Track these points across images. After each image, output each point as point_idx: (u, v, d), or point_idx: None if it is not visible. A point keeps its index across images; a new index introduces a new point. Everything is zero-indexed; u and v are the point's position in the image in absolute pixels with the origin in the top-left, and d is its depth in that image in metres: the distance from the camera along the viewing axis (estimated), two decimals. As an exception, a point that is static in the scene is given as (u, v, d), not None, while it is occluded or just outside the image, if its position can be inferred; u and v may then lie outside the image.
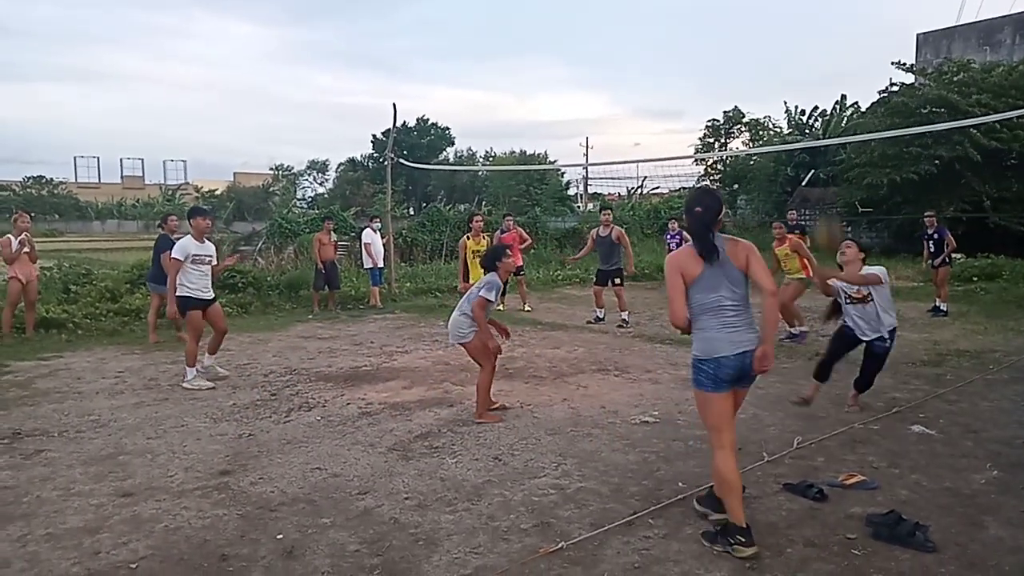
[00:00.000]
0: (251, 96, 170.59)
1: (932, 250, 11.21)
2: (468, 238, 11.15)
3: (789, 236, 9.38)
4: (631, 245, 11.23)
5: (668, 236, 14.13)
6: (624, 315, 10.32)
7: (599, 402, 6.17)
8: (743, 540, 3.37)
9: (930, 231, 11.25)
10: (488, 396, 5.78)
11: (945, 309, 10.80)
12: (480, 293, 5.51)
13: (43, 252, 18.03)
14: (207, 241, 7.09)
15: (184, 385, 6.83)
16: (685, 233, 13.58)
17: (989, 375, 6.96)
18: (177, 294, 6.78)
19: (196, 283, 6.84)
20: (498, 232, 12.25)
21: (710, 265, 3.45)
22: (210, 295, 7.03)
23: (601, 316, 10.62)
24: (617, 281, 10.41)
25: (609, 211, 11.90)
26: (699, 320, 3.50)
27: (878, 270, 5.60)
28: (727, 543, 3.40)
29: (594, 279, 10.89)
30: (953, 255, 11.63)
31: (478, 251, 10.39)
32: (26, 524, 3.83)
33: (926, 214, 11.68)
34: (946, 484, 4.23)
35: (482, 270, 5.86)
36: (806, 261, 8.77)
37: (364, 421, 5.70)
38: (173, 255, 6.82)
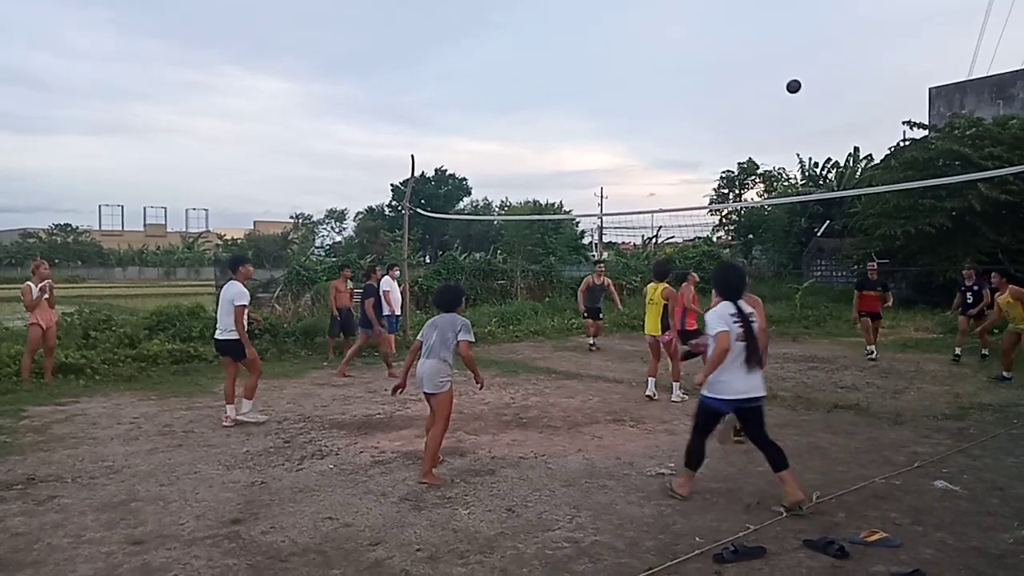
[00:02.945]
0: (275, 147, 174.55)
1: (970, 301, 11.22)
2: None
3: (1009, 285, 9.73)
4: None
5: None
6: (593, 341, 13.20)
7: (614, 453, 6.09)
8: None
9: (968, 283, 11.30)
10: (437, 453, 5.51)
11: (960, 354, 11.13)
12: (462, 337, 5.30)
13: (65, 298, 18.29)
14: None
15: (239, 417, 7.14)
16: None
17: (1014, 429, 6.80)
18: (236, 338, 7.19)
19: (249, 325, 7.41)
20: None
21: None
22: None
23: (593, 343, 13.17)
24: (601, 317, 13.58)
25: (602, 265, 15.16)
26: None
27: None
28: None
29: (586, 314, 13.39)
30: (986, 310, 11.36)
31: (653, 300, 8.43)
32: (35, 572, 3.81)
33: (966, 265, 11.94)
34: (972, 543, 4.11)
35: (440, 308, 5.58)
36: None
37: (377, 470, 5.66)
38: (241, 303, 7.21)
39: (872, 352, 11.40)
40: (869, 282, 11.66)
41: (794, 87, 9.45)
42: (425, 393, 5.39)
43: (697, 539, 4.17)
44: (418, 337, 5.51)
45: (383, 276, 11.34)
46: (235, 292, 7.22)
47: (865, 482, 5.22)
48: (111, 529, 4.41)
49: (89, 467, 5.76)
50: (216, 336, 7.46)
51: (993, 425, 7.00)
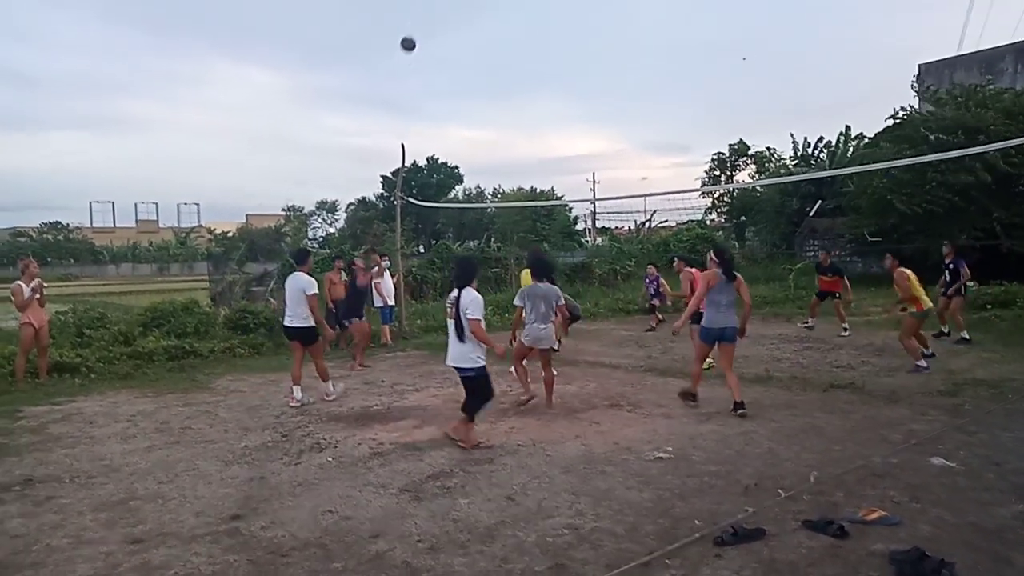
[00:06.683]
0: (266, 139, 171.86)
1: (947, 279, 11.32)
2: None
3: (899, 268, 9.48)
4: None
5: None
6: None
7: (612, 438, 6.10)
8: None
9: (947, 260, 11.37)
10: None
11: (967, 336, 10.77)
12: (562, 301, 7.43)
13: (58, 297, 18.16)
14: None
15: (328, 398, 7.89)
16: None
17: (1008, 404, 6.84)
18: (309, 325, 7.74)
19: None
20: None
21: (727, 281, 6.86)
22: None
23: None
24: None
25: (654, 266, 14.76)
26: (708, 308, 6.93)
27: None
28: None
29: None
30: (967, 284, 11.52)
31: None
32: (35, 574, 3.80)
33: (945, 243, 11.88)
34: (970, 519, 4.13)
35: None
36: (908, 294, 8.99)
37: (376, 462, 5.66)
38: (313, 291, 7.68)
39: (808, 323, 12.60)
40: (821, 267, 12.75)
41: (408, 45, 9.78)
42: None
43: (696, 522, 4.19)
44: (515, 303, 7.64)
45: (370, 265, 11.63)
46: (305, 282, 7.67)
47: (863, 461, 5.24)
48: (110, 528, 4.40)
49: (87, 466, 5.74)
50: (286, 324, 7.92)
51: (988, 401, 7.03)
